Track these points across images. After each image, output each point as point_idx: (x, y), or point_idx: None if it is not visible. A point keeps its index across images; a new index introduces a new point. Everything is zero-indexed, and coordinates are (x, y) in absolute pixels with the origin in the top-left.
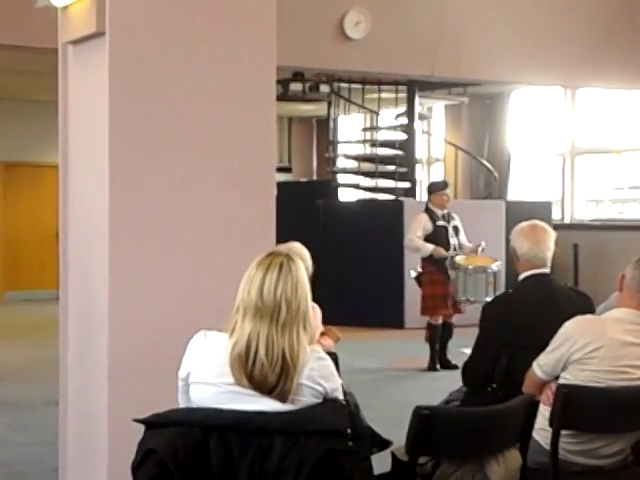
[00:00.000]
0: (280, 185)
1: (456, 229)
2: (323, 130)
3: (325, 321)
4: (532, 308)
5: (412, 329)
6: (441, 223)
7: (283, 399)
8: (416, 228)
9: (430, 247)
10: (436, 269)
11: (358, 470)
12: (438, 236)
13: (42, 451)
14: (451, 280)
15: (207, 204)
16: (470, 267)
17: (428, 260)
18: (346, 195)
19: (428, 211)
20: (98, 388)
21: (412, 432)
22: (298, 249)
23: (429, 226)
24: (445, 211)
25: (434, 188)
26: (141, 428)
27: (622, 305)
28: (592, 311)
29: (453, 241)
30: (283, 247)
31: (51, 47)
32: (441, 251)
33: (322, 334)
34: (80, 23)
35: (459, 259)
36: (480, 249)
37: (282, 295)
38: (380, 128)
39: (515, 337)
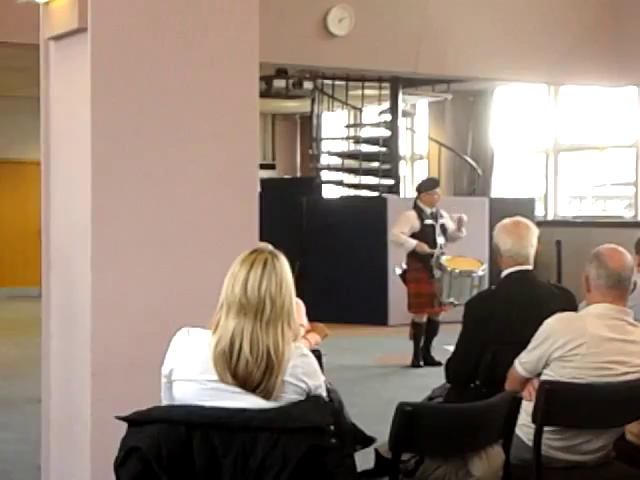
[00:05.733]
0: (264, 182)
1: (443, 227)
2: (307, 127)
3: (309, 318)
4: (515, 305)
5: (396, 326)
6: (429, 222)
7: (267, 396)
8: (403, 224)
9: (413, 242)
10: (421, 267)
11: (341, 467)
12: (425, 235)
13: (24, 449)
14: (436, 279)
15: (190, 201)
16: (456, 271)
17: (414, 257)
18: (330, 192)
19: (416, 208)
20: (81, 385)
21: (395, 429)
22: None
23: (417, 224)
24: (434, 209)
25: (424, 187)
26: (124, 425)
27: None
28: (575, 307)
29: (440, 240)
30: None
31: (33, 43)
32: (424, 247)
33: (309, 330)
34: (62, 19)
35: (445, 260)
36: (463, 226)
37: (266, 292)
38: (364, 125)
39: (498, 334)
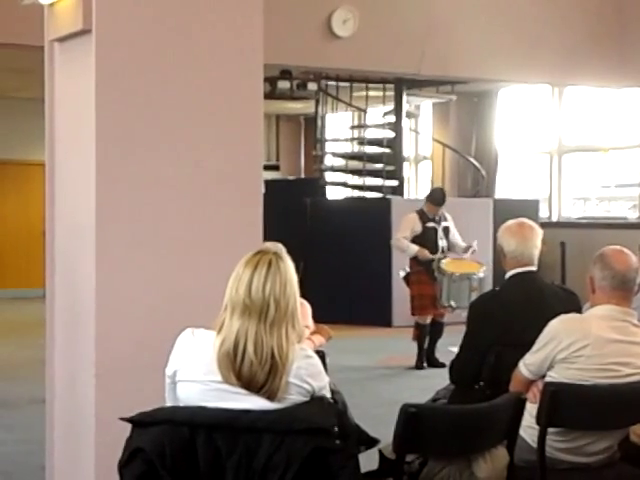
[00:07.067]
0: (268, 183)
1: (446, 230)
2: (311, 128)
3: (313, 319)
4: (519, 306)
5: (400, 327)
6: (431, 225)
7: (271, 397)
8: (404, 228)
9: (415, 249)
10: (424, 269)
11: (345, 468)
12: (426, 237)
13: (28, 450)
14: (437, 282)
15: (194, 202)
16: (456, 274)
17: (416, 260)
18: (334, 193)
19: (420, 211)
20: (85, 386)
21: (399, 430)
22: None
23: (418, 227)
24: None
25: (431, 199)
26: (128, 426)
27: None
28: (579, 309)
29: (442, 243)
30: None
31: (37, 45)
32: (425, 253)
33: (314, 332)
34: (66, 20)
35: (445, 264)
36: (471, 251)
37: (271, 293)
38: (368, 126)
39: (502, 335)
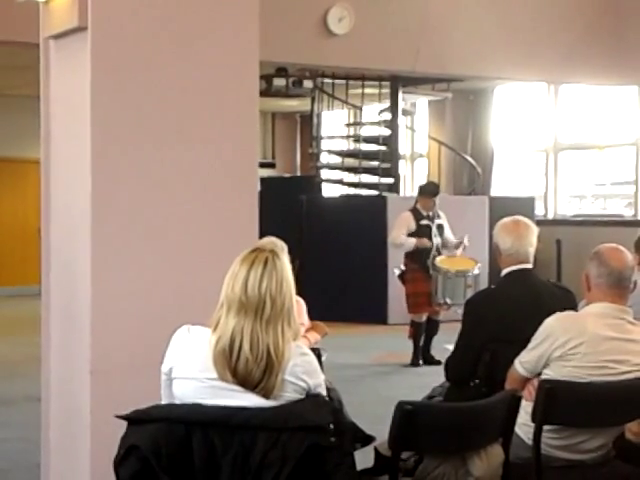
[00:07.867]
0: (264, 180)
1: (440, 228)
2: (307, 126)
3: (309, 316)
4: (515, 303)
5: (395, 325)
6: (425, 222)
7: (267, 395)
8: (400, 227)
9: (413, 241)
10: (418, 267)
11: (341, 466)
12: (421, 235)
13: (24, 447)
14: (432, 279)
15: (190, 200)
16: (451, 271)
17: (411, 258)
18: (330, 191)
19: (414, 209)
20: (80, 384)
21: (395, 427)
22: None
23: (412, 225)
24: (430, 212)
25: (424, 191)
26: (124, 424)
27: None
28: (575, 306)
29: (436, 240)
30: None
31: (33, 42)
32: (424, 242)
33: (309, 329)
34: (62, 18)
35: (439, 261)
36: (462, 248)
37: (267, 291)
38: (364, 124)
39: (498, 332)
